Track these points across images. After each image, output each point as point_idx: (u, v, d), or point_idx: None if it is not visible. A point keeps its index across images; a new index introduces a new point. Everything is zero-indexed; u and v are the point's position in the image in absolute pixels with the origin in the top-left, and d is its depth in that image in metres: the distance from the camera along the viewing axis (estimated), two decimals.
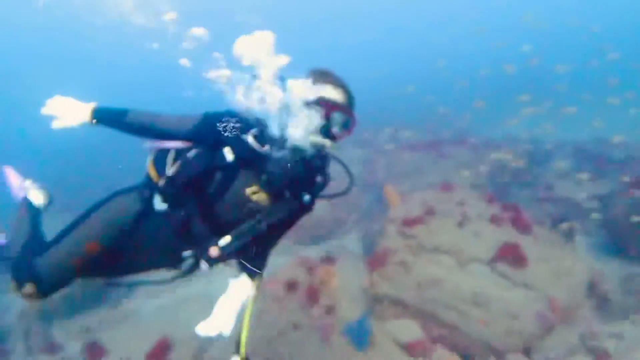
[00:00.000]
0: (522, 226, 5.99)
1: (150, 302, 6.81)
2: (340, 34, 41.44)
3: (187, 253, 2.11)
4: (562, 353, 4.90)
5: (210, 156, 2.03)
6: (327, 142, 2.03)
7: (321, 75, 2.11)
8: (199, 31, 2.13)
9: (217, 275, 2.61)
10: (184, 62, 2.23)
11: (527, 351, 4.84)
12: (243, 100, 1.99)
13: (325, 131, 2.01)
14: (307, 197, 2.11)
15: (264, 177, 1.98)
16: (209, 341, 2.01)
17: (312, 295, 5.24)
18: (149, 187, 2.18)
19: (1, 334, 6.41)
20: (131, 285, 2.13)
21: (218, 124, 1.99)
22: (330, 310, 5.10)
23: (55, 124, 2.12)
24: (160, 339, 5.42)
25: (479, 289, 5.09)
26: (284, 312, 5.14)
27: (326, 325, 4.90)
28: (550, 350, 4.91)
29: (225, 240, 1.99)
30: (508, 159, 9.39)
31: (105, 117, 2.12)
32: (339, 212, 8.31)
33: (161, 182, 2.10)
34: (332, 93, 2.08)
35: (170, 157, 2.15)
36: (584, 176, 9.01)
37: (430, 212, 6.24)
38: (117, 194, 2.22)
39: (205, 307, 6.58)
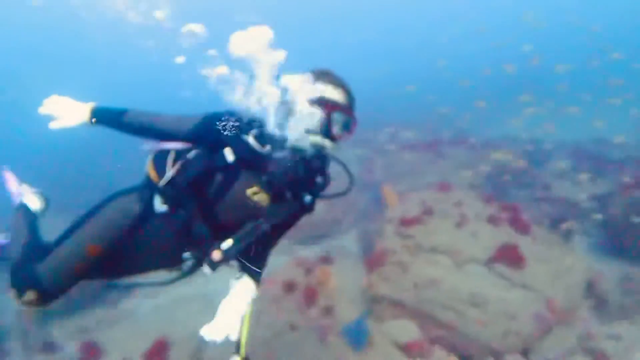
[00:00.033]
0: (520, 226, 5.98)
1: (148, 301, 6.79)
2: (340, 33, 41.44)
3: (187, 254, 2.09)
4: (560, 354, 4.89)
5: (211, 157, 2.01)
6: (327, 143, 2.02)
7: (321, 75, 2.09)
8: (195, 27, 2.10)
9: (215, 275, 2.60)
10: (180, 60, 2.21)
11: (525, 352, 4.83)
12: (242, 99, 1.97)
13: (326, 132, 2.00)
14: (308, 198, 2.10)
15: (264, 177, 1.97)
16: (213, 345, 1.97)
17: (310, 296, 5.24)
18: (149, 188, 2.17)
19: None
20: (131, 287, 2.11)
21: (217, 123, 1.98)
22: (328, 310, 5.09)
23: (54, 124, 2.11)
24: (157, 338, 5.41)
25: (476, 289, 5.08)
26: (282, 313, 5.13)
27: (324, 325, 4.90)
28: (549, 351, 4.90)
29: (228, 243, 1.97)
30: (507, 159, 9.38)
31: (104, 117, 2.10)
32: (337, 212, 8.30)
33: (161, 183, 2.08)
34: (333, 93, 2.07)
35: (171, 158, 2.13)
36: (585, 177, 9.01)
37: (428, 212, 6.23)
38: (116, 195, 2.21)
39: (203, 307, 6.56)
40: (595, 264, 6.27)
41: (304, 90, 1.96)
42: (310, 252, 7.05)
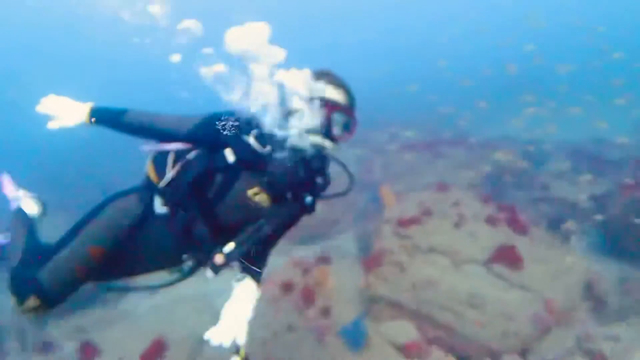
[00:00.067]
0: (518, 227, 5.98)
1: (146, 301, 6.79)
2: (340, 33, 41.40)
3: (187, 256, 2.09)
4: (559, 355, 4.87)
5: (211, 157, 2.00)
6: (327, 143, 2.01)
7: (322, 76, 2.08)
8: (190, 23, 2.08)
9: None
10: (176, 58, 2.19)
11: (523, 353, 4.82)
12: (240, 99, 1.96)
13: (326, 132, 1.99)
14: (308, 199, 2.09)
15: (265, 178, 1.96)
16: (219, 349, 1.95)
17: (308, 297, 5.23)
18: (148, 189, 2.15)
19: None
20: (130, 291, 2.08)
21: (217, 123, 1.97)
22: (325, 311, 5.08)
23: (52, 124, 2.10)
24: (155, 339, 5.40)
25: (475, 290, 5.07)
26: (280, 314, 5.12)
27: (321, 326, 4.89)
28: (547, 352, 4.88)
29: (230, 247, 1.96)
30: (507, 160, 9.38)
31: (103, 117, 2.09)
32: (335, 212, 8.29)
33: (161, 184, 2.07)
34: (333, 93, 2.06)
35: (171, 159, 2.12)
36: (584, 177, 8.99)
37: (426, 212, 6.21)
38: (116, 196, 2.19)
39: (201, 306, 6.54)
40: (594, 265, 6.25)
41: (305, 89, 1.94)
42: (307, 252, 7.04)
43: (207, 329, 1.96)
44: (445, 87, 15.57)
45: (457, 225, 5.93)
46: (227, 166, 1.97)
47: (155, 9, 2.12)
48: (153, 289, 2.18)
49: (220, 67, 1.94)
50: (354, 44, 40.93)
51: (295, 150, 1.93)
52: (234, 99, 1.96)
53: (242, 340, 2.00)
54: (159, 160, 2.15)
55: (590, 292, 5.77)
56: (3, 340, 6.24)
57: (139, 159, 2.30)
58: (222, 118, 1.98)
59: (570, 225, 6.71)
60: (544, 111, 11.07)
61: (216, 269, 1.95)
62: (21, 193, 2.74)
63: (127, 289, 2.28)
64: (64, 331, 6.29)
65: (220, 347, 1.93)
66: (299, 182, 2.01)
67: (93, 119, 2.08)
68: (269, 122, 1.96)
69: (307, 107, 1.93)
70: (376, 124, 12.71)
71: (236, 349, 2.03)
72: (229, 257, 1.96)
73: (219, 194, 2.01)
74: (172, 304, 6.39)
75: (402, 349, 4.78)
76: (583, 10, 29.54)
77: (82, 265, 2.02)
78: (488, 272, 5.36)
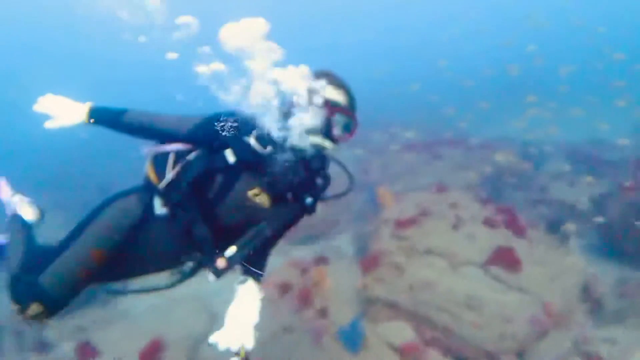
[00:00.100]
0: (516, 229, 5.97)
1: (143, 301, 6.77)
2: (340, 33, 41.37)
3: (187, 257, 2.07)
4: (556, 357, 4.87)
5: (211, 158, 1.99)
6: (327, 144, 2.01)
7: (322, 76, 2.06)
8: (187, 19, 2.06)
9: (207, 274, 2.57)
10: (172, 56, 2.18)
11: (520, 355, 4.82)
12: (239, 98, 1.95)
13: (327, 132, 1.99)
14: (309, 200, 2.08)
15: (265, 179, 1.96)
16: (228, 354, 1.94)
17: (305, 298, 5.22)
18: (148, 190, 2.14)
19: None
20: (132, 293, 2.05)
21: (216, 124, 1.96)
22: (322, 312, 5.08)
23: (50, 124, 2.08)
24: (152, 339, 5.39)
25: (472, 292, 5.07)
26: (277, 315, 5.12)
27: (319, 327, 4.89)
28: (544, 354, 4.88)
29: (231, 250, 1.96)
30: (506, 161, 9.37)
31: (102, 117, 2.08)
32: (333, 213, 8.29)
33: (161, 185, 2.06)
34: (334, 94, 2.05)
35: (171, 159, 2.11)
36: (583, 179, 8.98)
37: (423, 213, 6.20)
38: (115, 197, 2.18)
39: (199, 307, 6.51)
40: (592, 267, 6.24)
41: (304, 88, 1.93)
42: (305, 253, 7.04)
43: (204, 329, 1.96)
44: (446, 87, 15.56)
45: (455, 226, 5.92)
46: (228, 167, 1.96)
47: (154, 1, 2.10)
48: (154, 291, 2.14)
49: (218, 66, 1.92)
50: (354, 44, 40.92)
51: (295, 151, 1.93)
52: (232, 98, 1.94)
53: (250, 344, 1.99)
54: (159, 161, 2.14)
55: (588, 295, 5.76)
56: (0, 339, 6.23)
57: (138, 159, 2.28)
58: (221, 118, 1.97)
59: (568, 227, 6.69)
60: (545, 112, 11.05)
61: (218, 273, 1.95)
62: (17, 198, 2.70)
63: (127, 292, 2.26)
64: (62, 331, 6.28)
65: (227, 351, 1.92)
66: (299, 183, 2.00)
67: (91, 119, 2.07)
68: (269, 122, 1.95)
69: (307, 107, 1.92)
70: (376, 124, 12.70)
71: (236, 350, 2.03)
72: (231, 261, 1.95)
73: (219, 194, 2.01)
74: (170, 304, 6.38)
75: (399, 350, 4.77)
76: (583, 11, 29.50)
77: (85, 268, 2.00)
78: (486, 274, 5.35)
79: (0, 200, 2.77)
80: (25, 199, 2.71)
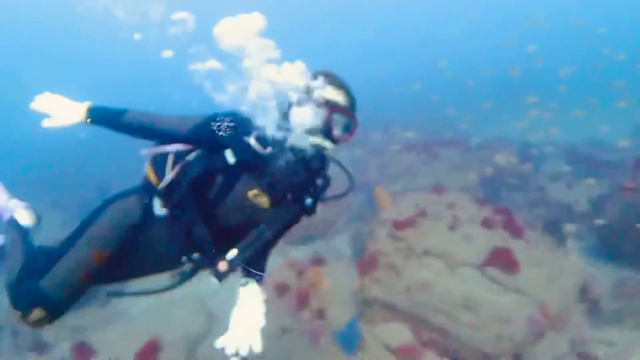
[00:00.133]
0: (514, 230, 5.95)
1: (140, 302, 6.77)
2: (340, 32, 41.34)
3: (187, 258, 2.07)
4: (553, 359, 4.86)
5: (211, 159, 1.98)
6: (327, 144, 2.00)
7: (322, 76, 2.05)
8: (183, 15, 2.05)
9: (207, 276, 2.57)
10: (168, 54, 2.17)
11: (517, 357, 4.81)
12: (237, 98, 1.93)
13: (327, 133, 1.98)
14: (309, 201, 2.08)
15: (265, 179, 1.95)
16: (235, 358, 1.94)
17: (302, 299, 5.22)
18: (148, 191, 2.13)
19: None
20: (132, 295, 2.04)
21: (213, 124, 1.95)
22: (320, 313, 5.08)
23: (47, 123, 2.07)
24: (149, 339, 5.39)
25: (469, 293, 5.06)
26: (274, 316, 5.11)
27: (315, 329, 4.88)
28: (541, 355, 4.88)
29: (233, 253, 1.95)
30: (505, 162, 9.35)
31: (101, 116, 2.07)
32: (330, 213, 8.28)
33: (161, 186, 2.05)
34: (334, 94, 2.03)
35: (170, 160, 2.10)
36: (581, 180, 8.97)
37: (421, 214, 6.19)
38: (115, 198, 2.17)
39: (197, 307, 6.48)
40: (590, 268, 6.24)
41: (305, 90, 1.92)
42: (302, 253, 7.03)
43: (202, 329, 1.95)
44: (446, 87, 15.55)
45: (452, 227, 5.90)
46: (228, 167, 1.95)
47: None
48: (154, 293, 2.13)
49: (214, 64, 1.91)
50: (354, 43, 40.89)
51: (295, 151, 1.92)
52: (229, 97, 1.93)
53: (258, 347, 2.00)
54: (159, 162, 2.13)
55: (586, 296, 5.75)
56: None
57: (137, 158, 2.28)
58: (218, 119, 1.96)
59: (566, 228, 6.68)
60: (545, 113, 11.02)
61: (220, 276, 1.95)
62: (13, 203, 2.66)
63: (127, 294, 2.25)
64: (59, 331, 6.27)
65: (233, 354, 1.91)
66: (299, 184, 2.00)
67: (89, 119, 2.06)
68: (268, 122, 1.93)
69: (307, 107, 1.91)
70: (375, 124, 12.69)
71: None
72: (232, 264, 1.95)
73: (219, 195, 2.00)
74: (167, 305, 6.37)
75: (396, 351, 4.77)
76: (583, 11, 29.49)
77: (85, 270, 1.99)
78: (483, 275, 5.34)
79: None
80: (22, 204, 2.67)
